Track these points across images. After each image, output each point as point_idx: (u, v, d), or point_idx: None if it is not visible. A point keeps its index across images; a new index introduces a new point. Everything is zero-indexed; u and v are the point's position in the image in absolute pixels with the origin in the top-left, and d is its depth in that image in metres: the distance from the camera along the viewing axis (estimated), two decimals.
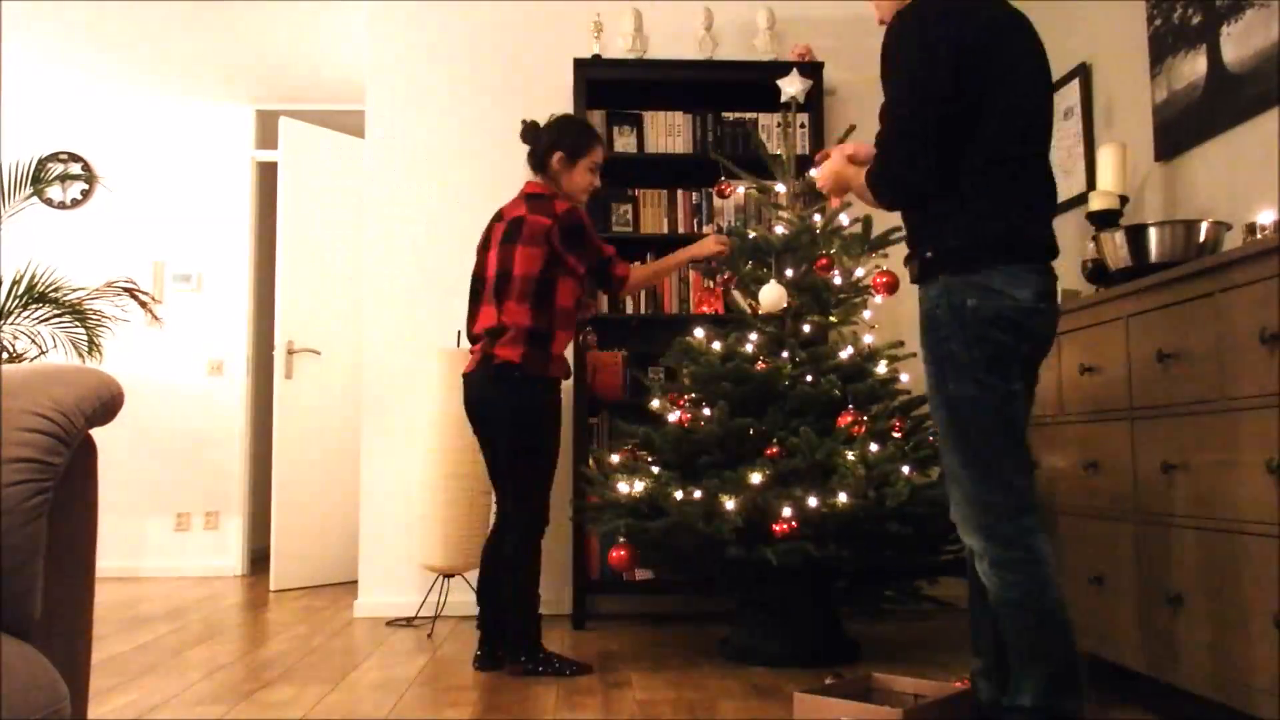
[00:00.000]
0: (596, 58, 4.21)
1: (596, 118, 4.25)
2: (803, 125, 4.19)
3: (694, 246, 3.38)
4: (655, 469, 3.25)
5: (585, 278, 3.23)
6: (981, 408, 2.06)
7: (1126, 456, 2.52)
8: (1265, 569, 2.01)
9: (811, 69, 4.09)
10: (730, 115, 4.28)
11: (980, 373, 2.06)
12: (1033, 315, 2.07)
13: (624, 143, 4.28)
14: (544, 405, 3.14)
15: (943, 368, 2.11)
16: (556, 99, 4.36)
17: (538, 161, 3.30)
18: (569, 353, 3.41)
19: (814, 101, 4.10)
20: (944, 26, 2.06)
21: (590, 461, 3.95)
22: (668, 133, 4.29)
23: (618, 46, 4.26)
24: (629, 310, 4.20)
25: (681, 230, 4.25)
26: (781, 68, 4.08)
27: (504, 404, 3.11)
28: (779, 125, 4.23)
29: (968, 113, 2.05)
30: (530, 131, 3.34)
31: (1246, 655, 2.07)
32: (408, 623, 4.00)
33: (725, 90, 4.27)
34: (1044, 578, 2.04)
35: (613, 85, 4.22)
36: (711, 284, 4.02)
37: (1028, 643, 2.06)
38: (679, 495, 3.07)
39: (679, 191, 4.28)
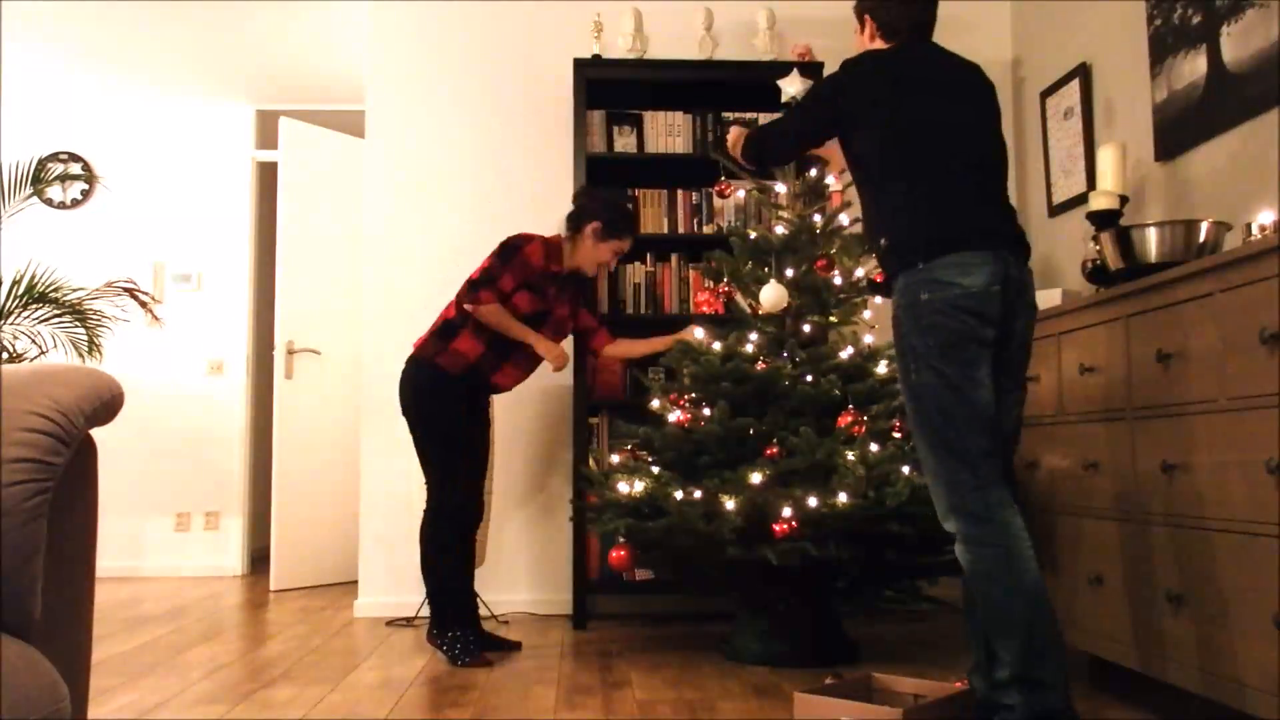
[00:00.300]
0: (596, 58, 4.21)
1: (596, 118, 4.25)
2: None
3: (541, 340, 3.49)
4: (655, 469, 3.25)
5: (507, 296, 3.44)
6: (940, 393, 2.19)
7: (1126, 456, 2.52)
8: (1265, 569, 2.01)
9: (812, 69, 4.09)
10: (730, 115, 4.28)
11: (935, 360, 2.19)
12: (987, 300, 2.19)
13: (624, 143, 4.28)
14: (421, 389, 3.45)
15: (905, 361, 2.26)
16: (557, 99, 4.36)
17: (574, 221, 3.54)
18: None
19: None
20: (854, 72, 2.48)
21: (590, 461, 3.95)
22: (668, 133, 4.29)
23: (618, 46, 4.26)
24: (629, 310, 4.20)
25: (681, 230, 4.25)
26: (782, 68, 4.08)
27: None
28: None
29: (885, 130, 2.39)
30: (580, 191, 3.73)
31: (1246, 655, 2.07)
32: (408, 623, 4.00)
33: (725, 90, 4.26)
34: (1016, 550, 2.11)
35: (613, 85, 4.22)
36: (711, 284, 4.02)
37: (1002, 615, 2.12)
38: (679, 495, 3.08)
39: (679, 191, 4.28)
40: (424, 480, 3.47)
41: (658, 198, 4.27)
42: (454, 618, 3.33)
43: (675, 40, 4.37)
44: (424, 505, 3.47)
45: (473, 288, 3.41)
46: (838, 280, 3.44)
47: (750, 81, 4.20)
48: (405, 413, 3.48)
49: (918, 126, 2.37)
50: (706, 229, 4.22)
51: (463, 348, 3.41)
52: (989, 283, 2.20)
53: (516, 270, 3.39)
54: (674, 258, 4.23)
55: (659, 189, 4.28)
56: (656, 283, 4.22)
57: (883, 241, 2.37)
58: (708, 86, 4.26)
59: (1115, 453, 2.58)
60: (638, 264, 4.21)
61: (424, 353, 3.45)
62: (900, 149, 2.37)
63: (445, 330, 3.45)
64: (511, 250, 3.42)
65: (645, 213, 4.28)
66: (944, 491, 2.21)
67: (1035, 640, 2.09)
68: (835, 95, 2.50)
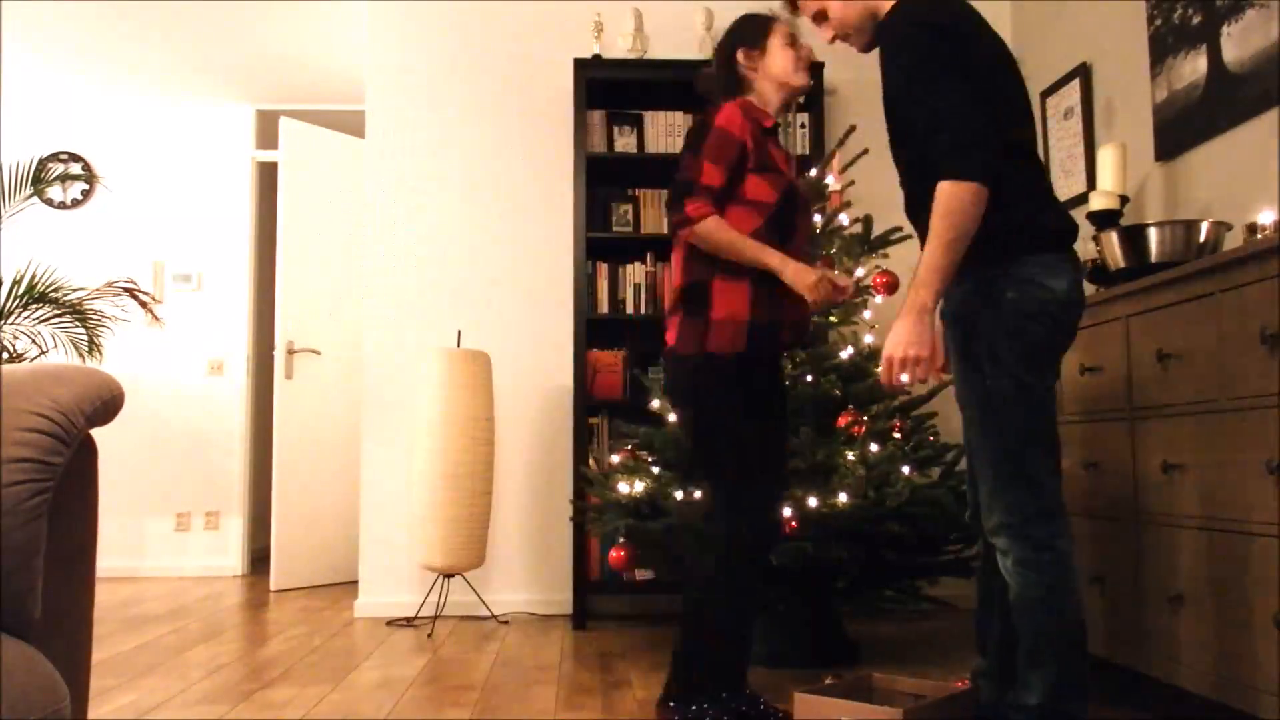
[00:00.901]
0: (597, 58, 4.21)
1: (596, 117, 4.25)
2: (803, 125, 4.19)
3: (797, 272, 2.37)
4: (655, 470, 3.25)
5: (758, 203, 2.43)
6: (1018, 406, 2.01)
7: (1126, 456, 2.52)
8: (1265, 569, 2.01)
9: (812, 69, 4.08)
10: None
11: (1019, 369, 2.00)
12: (1068, 308, 2.03)
13: (624, 143, 4.28)
14: (692, 387, 2.45)
15: (978, 364, 2.04)
16: (557, 99, 4.36)
17: (728, 80, 2.56)
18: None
19: (814, 101, 4.10)
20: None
21: (590, 461, 3.95)
22: (668, 132, 4.29)
23: (618, 47, 4.26)
24: (629, 310, 4.20)
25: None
26: None
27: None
28: (783, 125, 4.22)
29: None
30: (712, 60, 2.65)
31: (1247, 655, 2.07)
32: (408, 623, 4.00)
33: None
34: (1070, 582, 2.01)
35: (613, 85, 4.22)
36: None
37: (1043, 643, 2.03)
38: (679, 495, 3.08)
39: None
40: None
41: (658, 198, 4.27)
42: (728, 678, 2.40)
43: (675, 40, 4.37)
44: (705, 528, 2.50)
45: (675, 203, 2.40)
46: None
47: None
48: (682, 417, 2.57)
49: (1005, 95, 2.04)
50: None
51: (727, 306, 2.39)
52: (1072, 288, 2.02)
53: (715, 151, 2.38)
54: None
55: (659, 189, 4.28)
56: (657, 283, 4.22)
57: None
58: None
59: (1115, 453, 2.58)
60: (638, 264, 4.21)
61: (685, 348, 2.43)
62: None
63: (694, 295, 2.44)
64: (699, 132, 2.43)
65: (645, 213, 4.28)
66: (1002, 511, 2.04)
67: (1069, 674, 2.00)
68: (966, 48, 2.00)
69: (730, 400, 2.39)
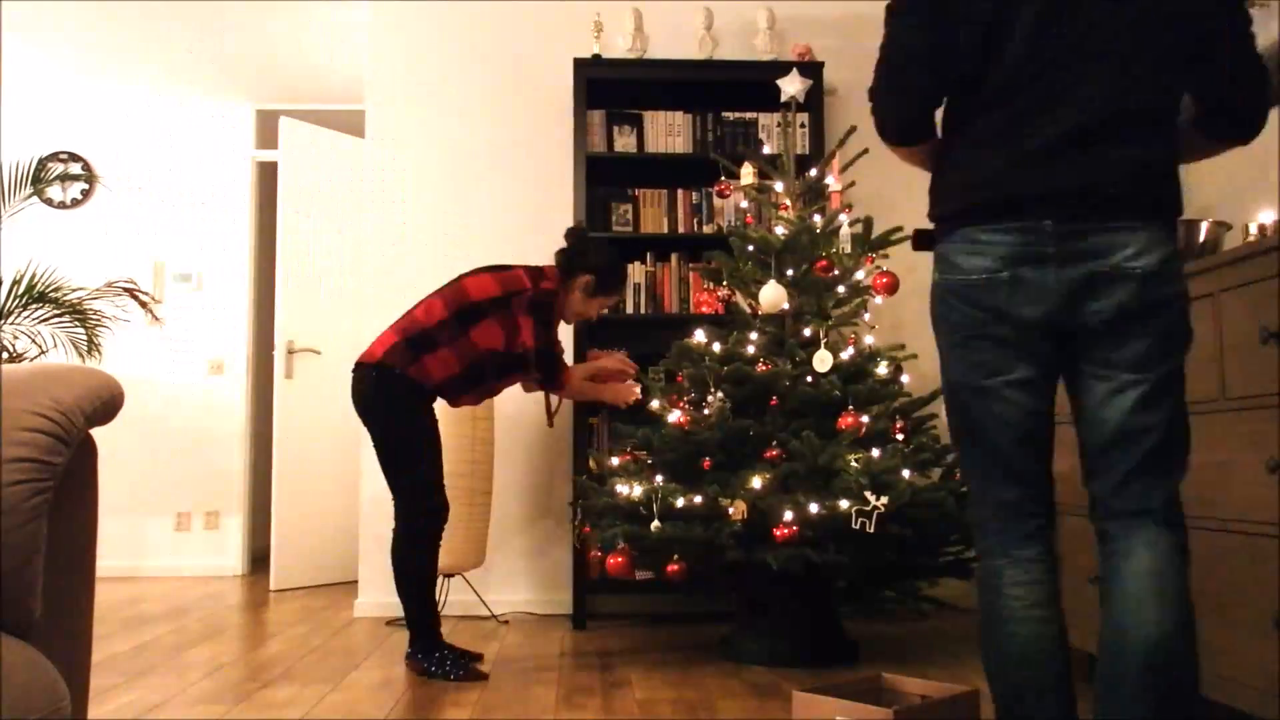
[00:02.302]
0: (596, 57, 4.21)
1: (596, 117, 4.25)
2: (803, 125, 4.19)
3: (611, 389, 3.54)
4: (658, 476, 3.23)
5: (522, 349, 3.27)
6: (951, 403, 1.80)
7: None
8: (1265, 569, 2.01)
9: (812, 69, 4.09)
10: (730, 115, 4.28)
11: (946, 362, 1.78)
12: (990, 289, 1.67)
13: (624, 143, 4.28)
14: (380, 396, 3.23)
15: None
16: (557, 99, 4.36)
17: (567, 266, 3.36)
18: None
19: (814, 101, 4.10)
20: None
21: (590, 462, 3.95)
22: (668, 132, 4.29)
23: (618, 46, 4.26)
24: (629, 310, 4.20)
25: (681, 230, 4.25)
26: (782, 67, 4.08)
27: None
28: (779, 125, 4.23)
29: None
30: (577, 237, 3.43)
31: (1246, 655, 2.07)
32: None
33: (725, 90, 4.27)
34: (993, 611, 1.71)
35: (613, 85, 4.22)
36: (711, 285, 4.02)
37: (986, 666, 1.75)
38: (680, 502, 3.07)
39: (679, 191, 4.28)
40: (392, 492, 3.20)
41: (658, 197, 4.27)
42: (437, 634, 3.14)
43: (675, 40, 4.38)
44: (396, 520, 3.17)
45: (550, 375, 3.29)
46: (840, 289, 3.43)
47: (750, 81, 4.20)
48: (371, 421, 3.22)
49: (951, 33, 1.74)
50: (706, 229, 4.23)
51: (432, 368, 3.17)
52: (1001, 264, 1.66)
53: (555, 320, 3.31)
54: (674, 257, 4.23)
55: (659, 189, 4.29)
56: (657, 282, 4.22)
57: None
58: (708, 86, 4.27)
59: None
60: (638, 264, 4.21)
61: (392, 361, 3.15)
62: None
63: (421, 341, 3.18)
64: (545, 308, 3.24)
65: (645, 212, 4.28)
66: (971, 510, 1.86)
67: (1013, 713, 1.70)
68: None
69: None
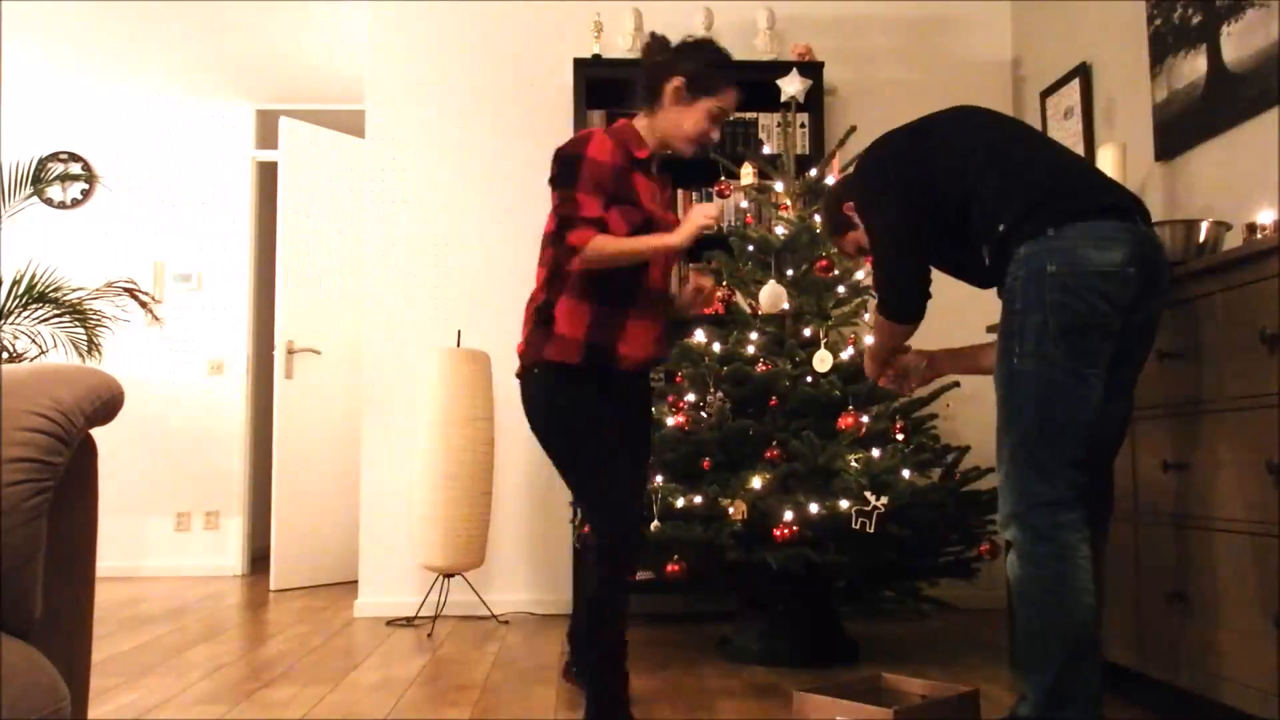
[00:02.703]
0: (596, 57, 4.21)
1: (596, 118, 4.25)
2: (803, 125, 4.19)
3: (675, 233, 2.49)
4: (658, 476, 3.23)
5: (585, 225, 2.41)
6: (1039, 385, 1.92)
7: (1127, 456, 2.52)
8: (1265, 569, 2.01)
9: (811, 69, 4.09)
10: (731, 115, 4.27)
11: (1048, 346, 1.90)
12: (1118, 281, 1.90)
13: None
14: (534, 397, 2.54)
15: (1010, 341, 1.97)
16: (557, 99, 4.36)
17: (649, 84, 2.55)
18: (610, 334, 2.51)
19: (814, 101, 4.10)
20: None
21: None
22: None
23: (618, 46, 4.26)
24: None
25: None
26: (781, 67, 4.08)
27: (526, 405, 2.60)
28: (778, 125, 4.22)
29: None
30: (652, 46, 2.62)
31: (1246, 655, 2.07)
32: (408, 622, 4.00)
33: None
34: (1069, 578, 1.87)
35: (613, 85, 4.22)
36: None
37: (1037, 646, 1.90)
38: (680, 503, 3.07)
39: (679, 191, 4.28)
40: (581, 511, 2.72)
41: None
42: (623, 684, 2.48)
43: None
44: (592, 541, 2.50)
45: (558, 238, 2.45)
46: (840, 290, 3.43)
47: (750, 81, 4.17)
48: (536, 432, 2.57)
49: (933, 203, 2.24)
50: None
51: (567, 328, 2.46)
52: (1127, 261, 1.91)
53: (588, 183, 2.42)
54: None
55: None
56: None
57: (995, 210, 2.03)
58: None
59: None
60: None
61: (528, 357, 2.54)
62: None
63: (541, 316, 2.52)
64: (570, 163, 2.43)
65: None
66: (1013, 498, 1.95)
67: (1066, 683, 1.85)
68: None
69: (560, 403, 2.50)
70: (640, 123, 2.57)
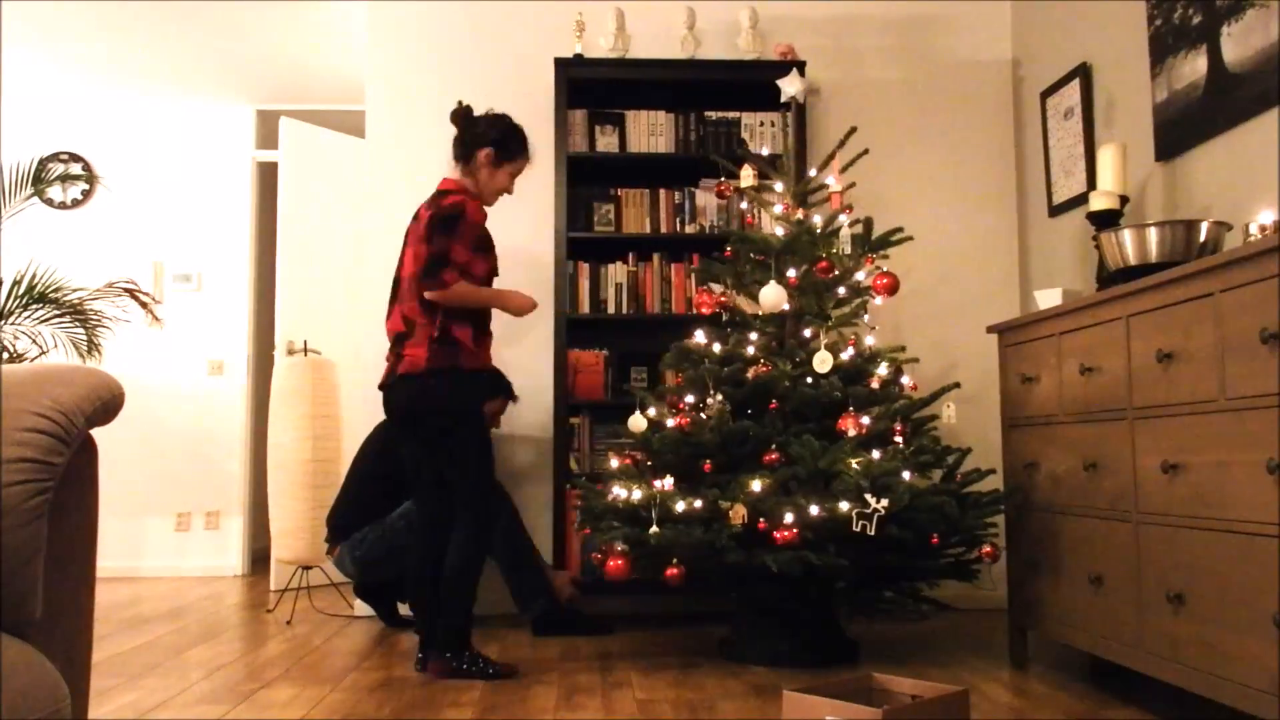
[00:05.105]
0: (578, 57, 4.17)
1: (578, 117, 4.23)
2: (775, 124, 4.19)
3: (510, 296, 3.19)
4: (657, 481, 3.22)
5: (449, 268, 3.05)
6: None
7: (1126, 456, 2.52)
8: (1265, 569, 2.01)
9: (795, 67, 4.09)
10: (713, 114, 4.26)
11: None
12: None
13: (606, 142, 4.24)
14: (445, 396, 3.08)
15: None
16: (545, 98, 4.33)
17: (464, 150, 3.20)
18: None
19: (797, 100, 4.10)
20: None
21: (572, 462, 3.98)
22: (650, 132, 4.26)
23: (600, 46, 4.24)
24: (610, 310, 4.17)
25: (664, 230, 4.22)
26: (765, 67, 4.10)
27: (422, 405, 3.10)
28: (766, 125, 4.23)
29: None
30: (464, 117, 3.23)
31: (1246, 655, 2.07)
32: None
33: (708, 89, 4.24)
34: None
35: (595, 85, 4.21)
36: (710, 287, 4.01)
37: None
38: (680, 507, 3.06)
39: (661, 191, 4.25)
40: (462, 498, 3.10)
41: (640, 197, 4.25)
42: (469, 636, 3.10)
43: (658, 39, 4.36)
44: (465, 525, 3.09)
45: (430, 274, 3.01)
46: (841, 290, 3.43)
47: (733, 81, 4.19)
48: (444, 424, 3.09)
49: None
50: (689, 229, 4.21)
51: (466, 341, 3.08)
52: None
53: (466, 236, 3.06)
54: (656, 257, 4.20)
55: (641, 188, 4.26)
56: (639, 282, 4.19)
57: None
58: (690, 86, 4.23)
59: (1115, 453, 2.58)
60: (620, 264, 4.19)
61: (446, 361, 3.05)
62: None
63: (442, 336, 3.06)
64: (453, 220, 3.05)
65: (627, 213, 4.25)
66: None
67: None
68: None
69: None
70: (465, 181, 3.22)
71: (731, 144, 4.22)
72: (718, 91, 4.24)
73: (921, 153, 4.39)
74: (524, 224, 4.31)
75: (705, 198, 4.24)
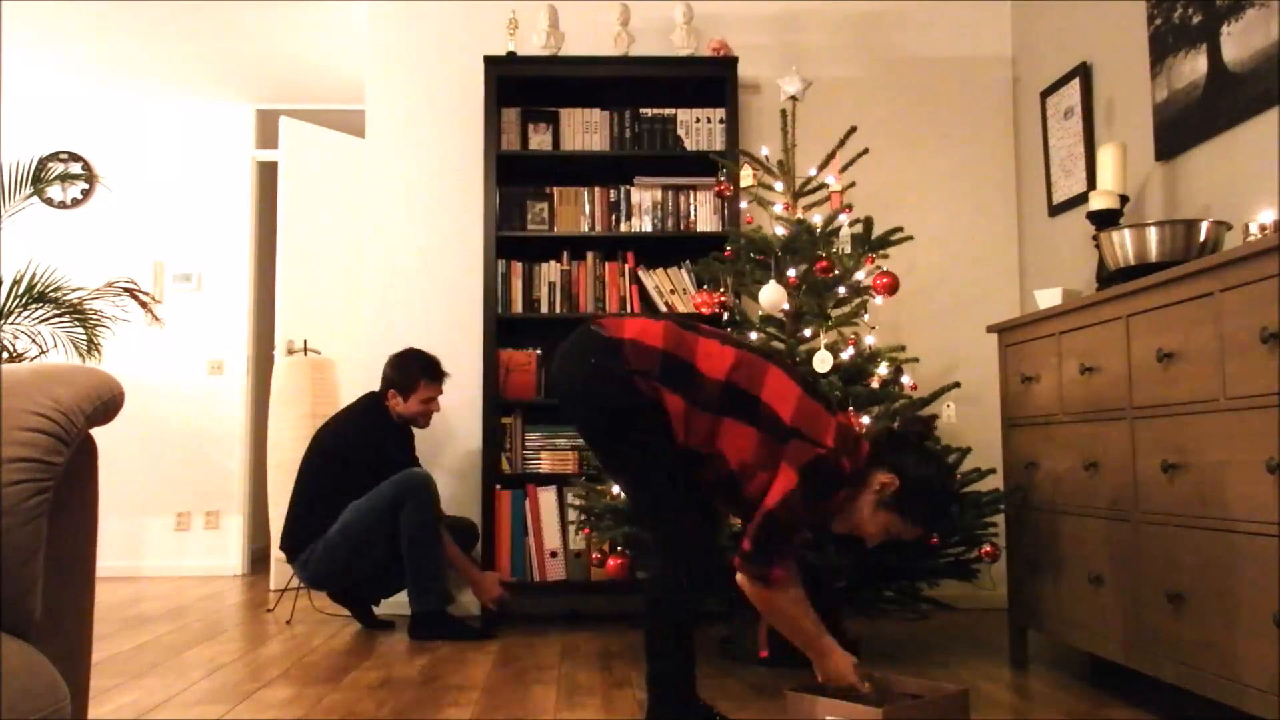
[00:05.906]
0: (511, 55, 4.15)
1: (511, 115, 4.21)
2: (721, 120, 4.18)
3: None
4: None
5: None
6: None
7: (1126, 456, 2.52)
8: (1265, 569, 2.01)
9: (726, 64, 4.10)
10: (648, 112, 4.23)
11: None
12: None
13: (539, 140, 4.21)
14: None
15: None
16: (475, 97, 4.31)
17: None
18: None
19: (723, 96, 4.11)
20: None
21: (504, 461, 4.04)
22: (584, 130, 4.24)
23: (533, 44, 4.21)
24: (544, 310, 4.15)
25: (598, 228, 4.19)
26: (698, 63, 4.12)
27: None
28: (702, 121, 4.21)
29: None
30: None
31: (1246, 655, 2.07)
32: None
33: (643, 87, 4.21)
34: None
35: (529, 83, 4.19)
36: (708, 287, 4.01)
37: None
38: None
39: (595, 189, 4.22)
40: (647, 519, 2.54)
41: (574, 195, 4.21)
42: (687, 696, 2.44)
43: (591, 37, 4.33)
44: (661, 556, 2.48)
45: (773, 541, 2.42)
46: (840, 289, 3.43)
47: (668, 78, 4.17)
48: (609, 425, 2.43)
49: None
50: (624, 227, 4.19)
51: (672, 404, 2.39)
52: None
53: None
54: (590, 256, 4.17)
55: (576, 187, 4.22)
56: (571, 281, 4.16)
57: None
58: (625, 83, 4.20)
59: (1115, 453, 2.58)
60: (553, 263, 4.16)
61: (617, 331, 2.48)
62: None
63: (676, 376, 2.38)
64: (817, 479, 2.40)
65: (561, 211, 4.21)
66: None
67: None
68: None
69: None
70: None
71: (667, 141, 4.21)
72: (652, 88, 4.21)
73: (920, 152, 4.38)
74: (455, 223, 4.32)
75: (640, 195, 4.20)
